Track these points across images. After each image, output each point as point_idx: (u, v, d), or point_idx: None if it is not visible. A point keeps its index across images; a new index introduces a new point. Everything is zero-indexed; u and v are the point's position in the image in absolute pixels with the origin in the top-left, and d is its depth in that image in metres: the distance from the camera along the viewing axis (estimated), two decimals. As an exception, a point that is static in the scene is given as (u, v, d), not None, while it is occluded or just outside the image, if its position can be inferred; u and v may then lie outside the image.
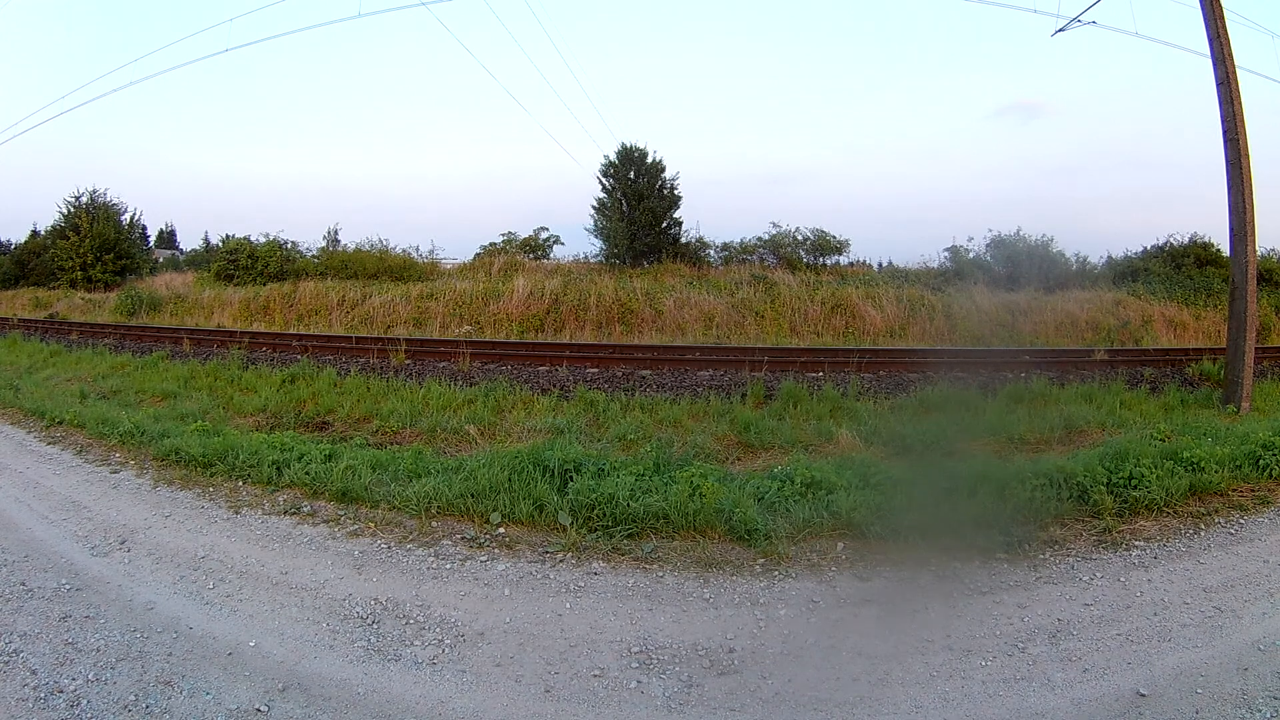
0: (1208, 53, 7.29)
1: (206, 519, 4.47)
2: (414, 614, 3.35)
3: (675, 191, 22.11)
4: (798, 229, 21.69)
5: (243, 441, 5.56)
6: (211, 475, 5.17)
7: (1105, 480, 4.43)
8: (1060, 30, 9.81)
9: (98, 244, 23.93)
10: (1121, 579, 3.61)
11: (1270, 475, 4.69)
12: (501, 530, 4.17)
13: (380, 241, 21.88)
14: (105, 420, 6.49)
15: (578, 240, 40.66)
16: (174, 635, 3.16)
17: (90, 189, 25.50)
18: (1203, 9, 7.25)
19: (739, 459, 5.63)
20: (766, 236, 21.79)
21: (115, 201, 25.77)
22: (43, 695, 2.69)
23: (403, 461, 5.07)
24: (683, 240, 22.07)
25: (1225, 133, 7.15)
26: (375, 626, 3.26)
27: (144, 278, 24.81)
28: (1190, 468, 4.60)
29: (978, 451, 5.54)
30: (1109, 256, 19.77)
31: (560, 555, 3.87)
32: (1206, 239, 18.70)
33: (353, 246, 21.78)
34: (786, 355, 9.64)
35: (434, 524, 4.28)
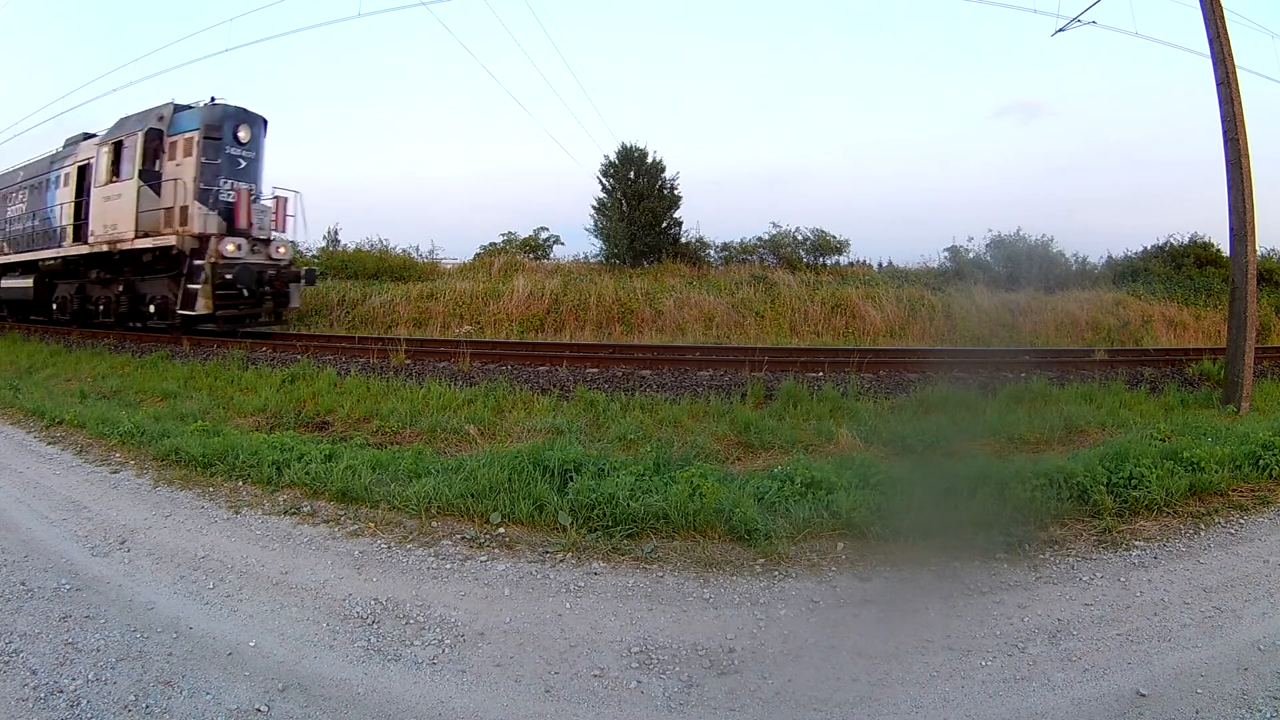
0: (1208, 53, 7.28)
1: (206, 519, 4.47)
2: (414, 614, 3.35)
3: (675, 191, 22.10)
4: (798, 229, 21.70)
5: (243, 441, 5.56)
6: (211, 475, 5.17)
7: (1105, 480, 4.43)
8: (1060, 30, 9.82)
9: (97, 244, 23.91)
10: (1121, 579, 3.61)
11: (1270, 475, 4.69)
12: (501, 530, 4.17)
13: (380, 241, 21.83)
14: (105, 420, 6.49)
15: (578, 240, 40.62)
16: (174, 635, 3.16)
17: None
18: (1203, 9, 7.25)
19: (739, 459, 5.63)
20: (766, 236, 21.80)
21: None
22: (43, 695, 2.69)
23: (403, 461, 5.06)
24: (683, 240, 22.05)
25: (1225, 133, 7.14)
26: (375, 626, 3.26)
27: (144, 277, 24.74)
28: (1190, 468, 4.60)
29: (978, 451, 5.54)
30: (1109, 256, 19.79)
31: (560, 555, 3.88)
32: (1206, 239, 18.70)
33: (352, 246, 21.73)
34: (786, 355, 9.65)
35: (434, 524, 4.28)
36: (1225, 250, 9.90)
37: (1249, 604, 3.38)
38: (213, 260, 11.32)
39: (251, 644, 3.11)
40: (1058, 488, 4.37)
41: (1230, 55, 7.13)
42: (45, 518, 4.55)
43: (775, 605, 3.42)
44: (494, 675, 2.92)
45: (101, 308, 13.37)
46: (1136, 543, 3.97)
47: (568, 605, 3.43)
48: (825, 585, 3.61)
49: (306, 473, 4.94)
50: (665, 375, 8.02)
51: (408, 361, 8.89)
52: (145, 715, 2.62)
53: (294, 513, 4.50)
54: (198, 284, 11.22)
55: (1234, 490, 4.54)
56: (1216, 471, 4.59)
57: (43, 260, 14.42)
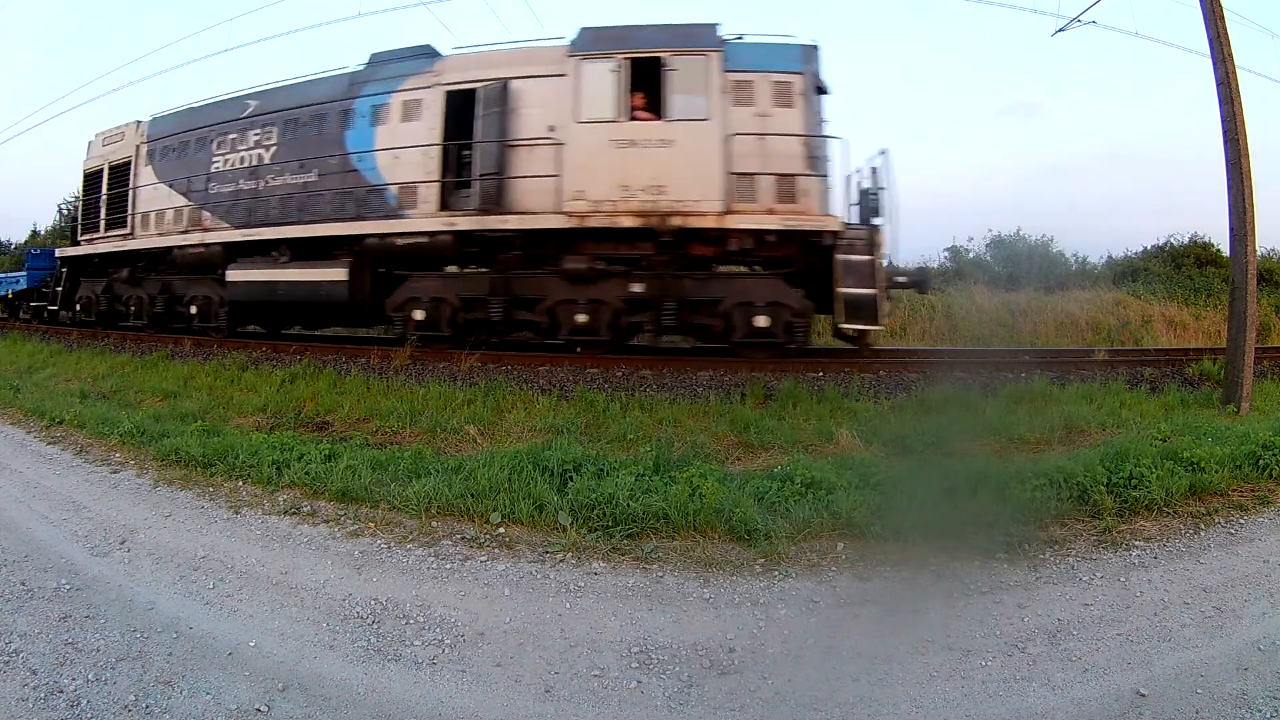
0: (1208, 53, 7.28)
1: (206, 519, 4.48)
2: (414, 614, 3.36)
3: (676, 191, 21.98)
4: (799, 229, 21.57)
5: (243, 441, 5.56)
6: (211, 475, 5.17)
7: (1105, 480, 4.42)
8: (1060, 30, 9.82)
9: (98, 244, 23.85)
10: (1121, 579, 3.61)
11: (1270, 475, 4.69)
12: (501, 530, 4.18)
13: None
14: (105, 420, 6.49)
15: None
16: (174, 635, 3.16)
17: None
18: (1203, 9, 7.25)
19: (739, 459, 5.63)
20: (767, 236, 21.69)
21: (116, 201, 25.59)
22: (43, 695, 2.69)
23: (403, 461, 5.07)
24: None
25: (1225, 133, 7.14)
26: (375, 626, 3.26)
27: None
28: (1190, 468, 4.60)
29: (978, 451, 5.54)
30: (1109, 256, 19.75)
31: (560, 555, 3.88)
32: (1206, 239, 18.65)
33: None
34: (786, 355, 9.63)
35: (434, 524, 4.28)
36: (1225, 250, 9.91)
37: (1249, 604, 3.38)
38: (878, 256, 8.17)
39: (252, 644, 3.11)
40: (1058, 488, 4.37)
41: (1230, 55, 7.12)
42: (45, 518, 4.56)
43: (775, 605, 3.42)
44: (494, 675, 2.93)
45: (583, 318, 8.64)
46: (1136, 543, 3.97)
47: (568, 605, 3.43)
48: (825, 585, 3.61)
49: (306, 473, 4.94)
50: (665, 375, 8.01)
51: (408, 361, 8.89)
52: (145, 715, 2.63)
53: (294, 513, 4.51)
54: (870, 287, 7.94)
55: (1234, 490, 4.54)
56: (1216, 471, 4.58)
57: (389, 237, 9.12)
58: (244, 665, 2.96)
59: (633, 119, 8.28)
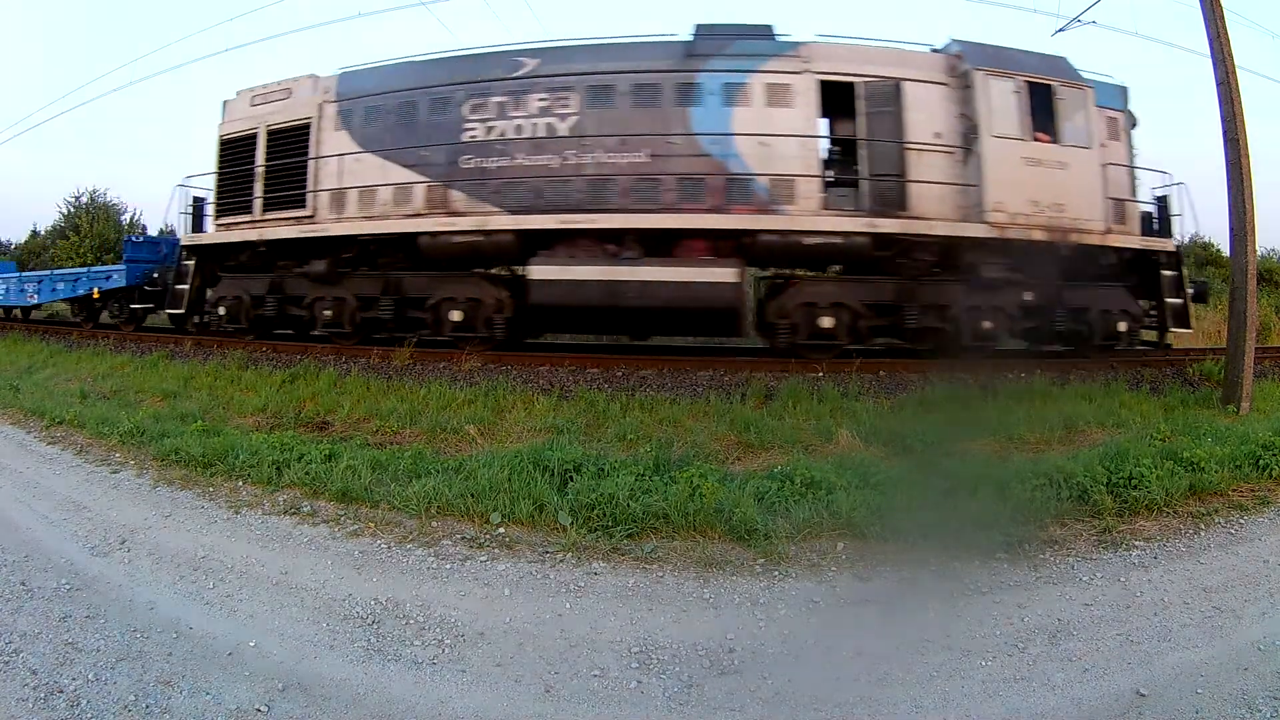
0: (1208, 53, 7.29)
1: (206, 519, 4.48)
2: (414, 614, 3.36)
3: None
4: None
5: (243, 441, 5.56)
6: (211, 475, 5.17)
7: (1105, 480, 4.43)
8: (1060, 30, 9.86)
9: (98, 244, 23.85)
10: (1121, 579, 3.61)
11: (1270, 475, 4.69)
12: (501, 530, 4.18)
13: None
14: (105, 420, 6.49)
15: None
16: (174, 635, 3.16)
17: (90, 189, 25.29)
18: (1203, 9, 7.25)
19: (739, 459, 5.63)
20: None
21: (115, 201, 25.66)
22: (43, 695, 2.69)
23: (403, 461, 5.07)
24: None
25: (1225, 133, 7.14)
26: (375, 626, 3.26)
27: (145, 277, 24.61)
28: (1190, 468, 4.61)
29: (978, 451, 5.54)
30: (1110, 256, 19.72)
31: (560, 555, 3.88)
32: (1206, 239, 18.69)
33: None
34: (787, 354, 9.63)
35: (434, 524, 4.28)
36: (1225, 250, 9.90)
37: (1249, 604, 3.38)
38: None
39: (252, 644, 3.11)
40: (1058, 488, 4.38)
41: (1230, 55, 7.12)
42: (45, 518, 4.56)
43: (775, 605, 3.42)
44: (494, 675, 2.93)
45: (989, 325, 8.50)
46: (1136, 543, 3.97)
47: (568, 605, 3.43)
48: (825, 585, 3.61)
49: (306, 473, 4.94)
50: (665, 375, 8.01)
51: (408, 361, 8.89)
52: (145, 715, 2.63)
53: (294, 513, 4.51)
54: (1181, 297, 8.96)
55: (1234, 490, 4.55)
56: (1216, 472, 4.59)
57: (793, 235, 8.15)
58: (244, 665, 2.96)
59: (1034, 139, 8.45)
